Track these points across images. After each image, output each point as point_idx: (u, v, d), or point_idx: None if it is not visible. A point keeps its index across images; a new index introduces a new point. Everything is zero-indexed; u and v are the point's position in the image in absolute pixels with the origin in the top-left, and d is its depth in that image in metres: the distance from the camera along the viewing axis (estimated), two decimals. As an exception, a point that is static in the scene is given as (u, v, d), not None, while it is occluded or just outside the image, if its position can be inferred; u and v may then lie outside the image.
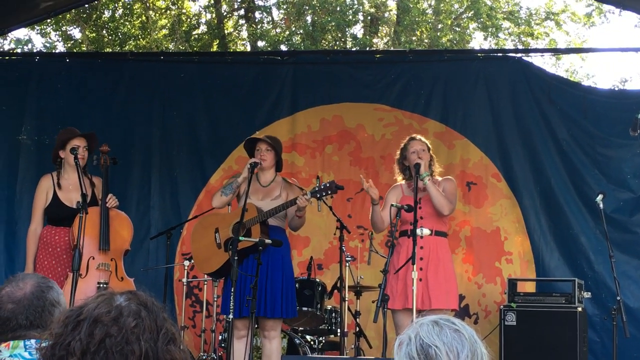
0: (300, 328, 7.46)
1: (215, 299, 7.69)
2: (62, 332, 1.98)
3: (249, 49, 17.70)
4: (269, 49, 16.21)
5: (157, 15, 17.21)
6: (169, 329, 2.02)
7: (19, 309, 2.78)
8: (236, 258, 6.00)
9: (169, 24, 17.42)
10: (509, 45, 17.82)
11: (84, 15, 16.15)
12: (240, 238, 6.05)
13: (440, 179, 6.65)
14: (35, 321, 2.78)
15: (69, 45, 16.94)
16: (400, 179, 6.69)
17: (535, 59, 13.42)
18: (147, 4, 16.88)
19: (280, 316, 6.34)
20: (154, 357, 1.96)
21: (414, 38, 17.58)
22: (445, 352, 2.07)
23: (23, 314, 2.78)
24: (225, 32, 17.70)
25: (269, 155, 6.49)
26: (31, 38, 16.98)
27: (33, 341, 2.74)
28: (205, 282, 7.82)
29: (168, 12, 17.40)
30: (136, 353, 1.94)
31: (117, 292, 2.06)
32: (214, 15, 17.72)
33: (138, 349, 1.94)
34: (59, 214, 6.51)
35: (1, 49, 15.39)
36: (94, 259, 6.32)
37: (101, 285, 6.17)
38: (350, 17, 17.02)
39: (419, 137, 6.71)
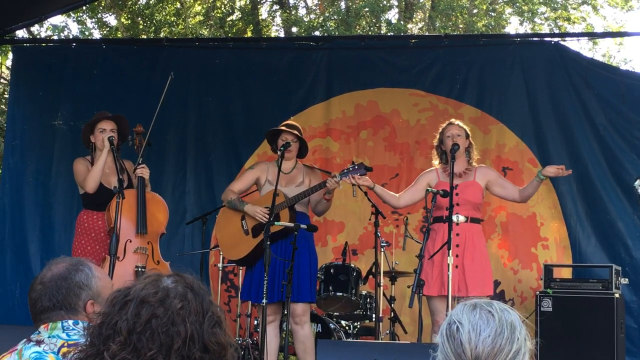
0: (335, 313, 7.48)
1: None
2: (109, 312, 2.01)
3: (282, 35, 17.69)
4: (303, 34, 16.17)
5: (192, 1, 17.24)
6: (214, 312, 2.05)
7: (44, 289, 2.78)
8: (268, 243, 6.01)
9: (203, 10, 17.45)
10: (545, 30, 17.64)
11: (120, 2, 16.22)
12: (275, 223, 6.06)
13: (477, 165, 6.61)
14: (59, 303, 2.76)
15: (105, 32, 17.03)
16: (437, 164, 6.64)
17: (572, 44, 13.29)
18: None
19: (310, 300, 6.36)
20: (199, 340, 1.98)
21: (449, 23, 17.47)
22: (467, 330, 2.07)
23: (46, 295, 2.77)
24: (260, 18, 17.70)
25: (295, 145, 6.51)
26: (68, 25, 17.06)
27: (71, 322, 2.76)
28: (241, 268, 7.84)
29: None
30: (182, 334, 1.96)
31: (165, 274, 2.09)
32: (248, 1, 17.73)
33: (184, 330, 1.96)
34: (99, 198, 6.38)
35: (38, 36, 15.49)
36: (131, 242, 6.27)
37: (139, 270, 6.15)
38: (385, 2, 16.93)
39: (457, 122, 6.65)
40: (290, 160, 6.55)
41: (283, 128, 6.59)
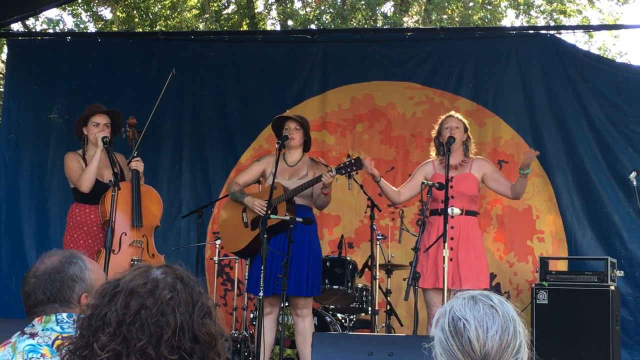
0: (332, 306, 7.48)
1: (247, 277, 7.72)
2: (98, 304, 2.01)
3: (278, 28, 17.66)
4: (299, 28, 16.14)
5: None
6: (204, 303, 2.05)
7: (37, 283, 2.78)
8: (265, 236, 6.01)
9: (198, 4, 17.41)
10: (541, 22, 17.63)
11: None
12: (271, 216, 6.06)
13: (473, 157, 6.60)
14: (53, 296, 2.76)
15: (100, 25, 16.99)
16: (434, 155, 6.64)
17: (567, 37, 13.25)
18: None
19: (306, 295, 6.35)
20: (189, 330, 1.98)
21: (444, 16, 17.45)
22: (474, 327, 2.07)
23: (40, 288, 2.76)
24: (255, 11, 17.67)
25: (297, 134, 6.50)
26: (63, 18, 17.02)
27: (64, 315, 2.75)
28: (237, 261, 7.84)
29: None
30: (171, 325, 1.96)
31: (154, 265, 2.09)
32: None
33: (173, 321, 1.96)
34: (92, 191, 6.32)
35: (33, 29, 15.46)
36: (126, 235, 6.26)
37: (134, 263, 6.14)
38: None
39: (456, 115, 6.65)
40: (294, 149, 6.55)
41: (286, 115, 6.60)
